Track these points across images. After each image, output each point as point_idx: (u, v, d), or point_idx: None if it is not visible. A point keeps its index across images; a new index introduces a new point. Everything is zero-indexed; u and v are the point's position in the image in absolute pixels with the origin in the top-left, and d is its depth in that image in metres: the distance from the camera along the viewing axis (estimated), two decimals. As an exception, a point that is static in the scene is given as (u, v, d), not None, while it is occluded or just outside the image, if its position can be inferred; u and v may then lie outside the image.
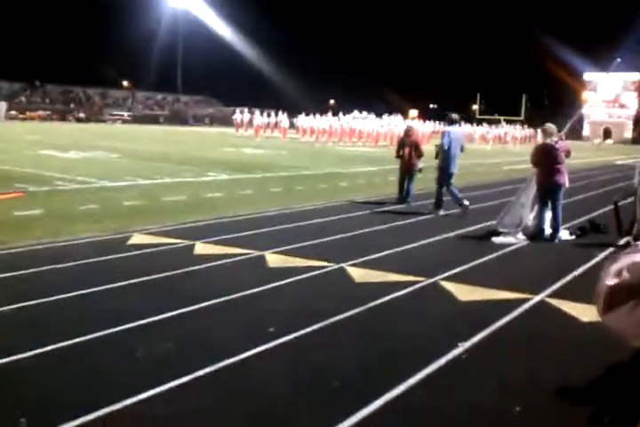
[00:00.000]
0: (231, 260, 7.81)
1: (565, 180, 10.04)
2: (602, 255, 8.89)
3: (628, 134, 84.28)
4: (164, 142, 34.20)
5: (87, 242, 8.55)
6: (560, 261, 8.64)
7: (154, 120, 74.80)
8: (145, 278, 6.77)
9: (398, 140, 15.34)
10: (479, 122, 65.20)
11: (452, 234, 10.25)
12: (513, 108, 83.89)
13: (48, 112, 70.29)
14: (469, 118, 69.62)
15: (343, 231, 9.94)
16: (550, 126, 10.20)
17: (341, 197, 14.30)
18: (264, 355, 4.77)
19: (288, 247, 8.55)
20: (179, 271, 7.11)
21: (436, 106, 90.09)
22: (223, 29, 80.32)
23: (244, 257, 7.97)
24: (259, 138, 42.91)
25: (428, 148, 13.41)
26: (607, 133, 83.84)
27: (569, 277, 7.58)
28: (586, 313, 5.90)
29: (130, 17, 76.29)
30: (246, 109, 50.99)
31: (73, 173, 16.07)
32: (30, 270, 6.92)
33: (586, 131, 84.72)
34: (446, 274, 7.43)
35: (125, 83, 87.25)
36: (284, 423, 3.89)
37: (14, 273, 6.78)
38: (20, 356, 4.55)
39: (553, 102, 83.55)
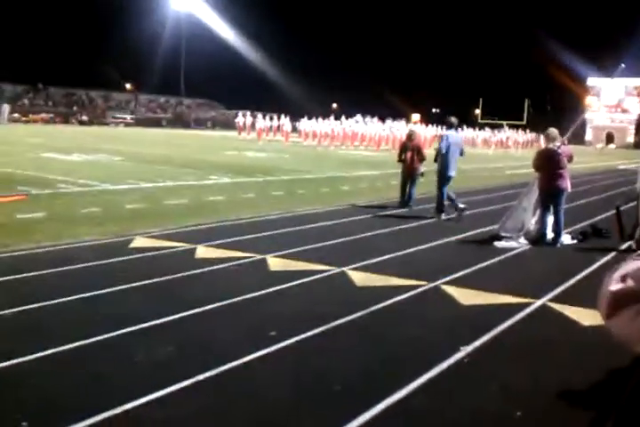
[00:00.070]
0: (233, 263, 7.81)
1: (567, 184, 10.04)
2: (603, 260, 8.89)
3: (631, 139, 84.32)
4: (167, 145, 34.23)
5: (89, 245, 8.56)
6: (562, 266, 8.63)
7: (156, 123, 74.89)
8: (146, 282, 6.77)
9: (400, 145, 15.35)
10: (481, 126, 65.19)
11: (453, 238, 10.25)
12: (515, 113, 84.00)
13: (51, 115, 70.40)
14: (472, 123, 69.62)
15: (345, 235, 9.94)
16: (553, 131, 10.20)
17: (343, 200, 14.30)
18: (265, 359, 4.77)
19: (290, 251, 8.55)
20: (180, 275, 7.11)
21: (438, 110, 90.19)
22: (226, 32, 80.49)
23: (245, 261, 7.97)
24: (261, 141, 42.93)
25: (430, 152, 13.41)
26: (610, 138, 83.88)
27: (571, 282, 7.58)
28: (587, 317, 5.90)
29: (133, 20, 76.58)
30: (249, 113, 50.99)
31: (75, 176, 16.09)
32: (32, 273, 6.93)
33: (588, 136, 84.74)
34: (448, 278, 7.43)
35: (128, 86, 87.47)
36: (285, 427, 3.88)
37: (16, 276, 6.78)
38: (20, 359, 4.55)
39: (555, 107, 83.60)
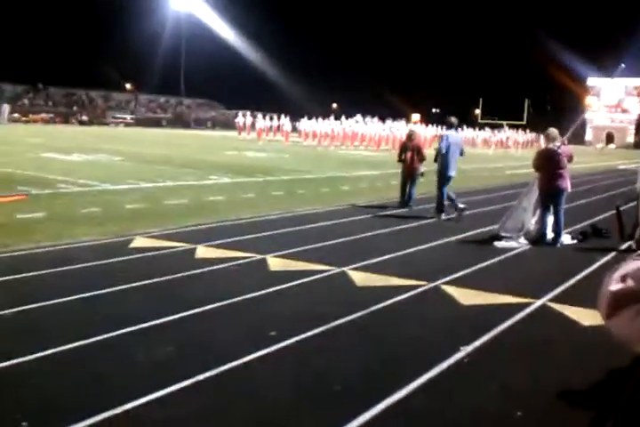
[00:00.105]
0: (233, 263, 7.81)
1: (567, 184, 10.04)
2: (603, 260, 8.89)
3: (631, 139, 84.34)
4: (167, 145, 34.23)
5: (89, 245, 8.56)
6: (562, 266, 8.64)
7: (156, 123, 74.90)
8: (146, 282, 6.77)
9: (400, 145, 15.35)
10: (481, 126, 65.20)
11: (453, 238, 10.25)
12: (515, 113, 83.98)
13: (51, 115, 70.41)
14: (472, 123, 69.62)
15: (345, 235, 9.94)
16: (553, 131, 10.20)
17: (343, 200, 14.30)
18: (265, 359, 4.77)
19: (290, 251, 8.55)
20: (180, 275, 7.11)
21: (438, 110, 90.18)
22: (226, 32, 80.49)
23: (245, 261, 7.97)
24: (261, 141, 42.94)
25: (430, 152, 13.42)
26: (609, 138, 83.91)
27: (571, 282, 7.58)
28: (587, 317, 5.90)
29: (133, 20, 76.61)
30: (249, 113, 51.00)
31: (75, 176, 16.09)
32: (32, 273, 6.93)
33: (588, 136, 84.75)
34: (448, 278, 7.43)
35: (128, 86, 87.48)
36: (285, 427, 3.89)
37: (16, 276, 6.78)
38: (20, 359, 4.54)
39: (555, 107, 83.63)
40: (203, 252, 8.38)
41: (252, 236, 9.63)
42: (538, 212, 10.29)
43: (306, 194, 15.32)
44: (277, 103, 69.12)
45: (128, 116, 74.99)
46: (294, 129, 49.63)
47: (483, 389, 4.43)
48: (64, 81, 77.49)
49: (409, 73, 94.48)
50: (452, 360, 4.85)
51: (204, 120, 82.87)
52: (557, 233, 10.00)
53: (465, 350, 5.07)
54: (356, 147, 43.05)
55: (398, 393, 4.21)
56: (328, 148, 40.38)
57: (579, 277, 7.85)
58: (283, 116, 48.12)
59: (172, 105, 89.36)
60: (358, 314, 5.92)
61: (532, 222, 10.34)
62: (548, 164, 10.01)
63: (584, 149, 56.60)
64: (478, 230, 10.94)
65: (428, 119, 65.28)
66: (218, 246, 8.71)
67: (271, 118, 49.40)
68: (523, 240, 10.00)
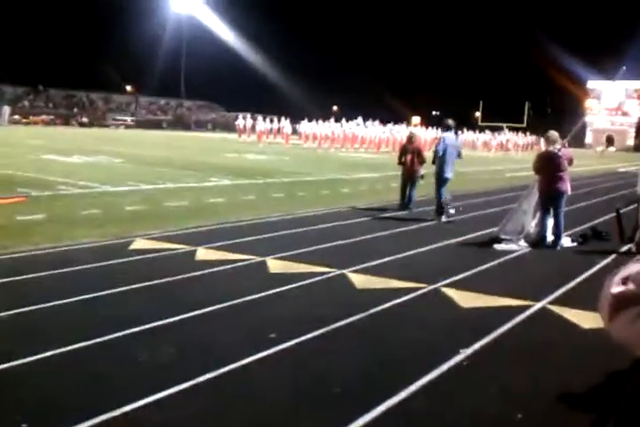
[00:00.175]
0: (233, 265, 7.81)
1: (568, 187, 10.04)
2: (604, 263, 8.89)
3: (631, 142, 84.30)
4: (167, 147, 34.25)
5: (89, 247, 8.56)
6: (562, 269, 8.63)
7: (157, 125, 74.96)
8: (146, 284, 6.76)
9: (401, 147, 15.35)
10: (481, 129, 65.19)
11: (453, 241, 10.25)
12: (515, 116, 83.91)
13: (51, 116, 70.45)
14: (472, 125, 69.60)
15: (345, 237, 9.94)
16: (553, 134, 10.21)
17: (343, 203, 14.29)
18: (265, 361, 4.77)
19: (290, 253, 8.54)
20: (180, 277, 7.11)
21: (438, 113, 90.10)
22: (226, 34, 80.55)
23: (245, 263, 7.97)
24: (261, 144, 42.98)
25: (430, 154, 13.43)
26: (610, 141, 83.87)
27: (571, 285, 7.57)
28: (587, 320, 5.90)
29: (133, 22, 76.59)
30: (249, 115, 51.01)
31: (75, 178, 16.09)
32: (32, 275, 6.92)
33: (588, 138, 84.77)
34: (448, 281, 7.43)
35: (129, 88, 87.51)
36: (285, 430, 3.88)
37: (16, 278, 6.78)
38: (20, 361, 4.54)
39: (556, 110, 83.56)
40: (203, 254, 8.38)
41: (252, 238, 9.63)
42: (538, 214, 10.29)
43: (306, 196, 15.33)
44: (278, 105, 69.15)
45: (128, 118, 75.03)
46: (294, 131, 49.64)
47: (483, 391, 4.43)
48: (64, 83, 77.56)
49: (409, 75, 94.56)
50: (451, 363, 4.85)
51: (205, 122, 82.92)
52: (557, 236, 10.00)
53: (465, 353, 5.06)
54: (357, 149, 43.08)
55: (398, 396, 4.21)
56: (328, 150, 40.40)
57: (579, 279, 7.85)
58: (283, 118, 48.16)
59: (172, 107, 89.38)
60: (358, 316, 5.92)
61: (532, 225, 10.34)
62: (549, 166, 10.01)
63: (584, 152, 56.62)
64: (478, 233, 10.93)
65: (428, 122, 65.28)
66: (218, 248, 8.71)
67: (271, 121, 49.44)
68: (523, 243, 10.00)
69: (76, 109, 78.19)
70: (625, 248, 9.99)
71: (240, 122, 50.52)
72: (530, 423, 4.03)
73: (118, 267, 7.53)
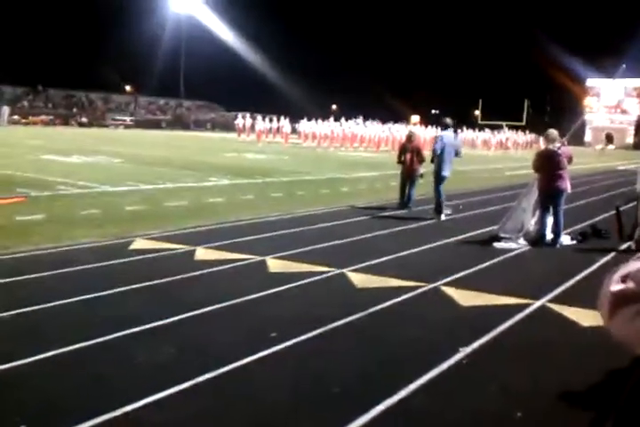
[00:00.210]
0: (232, 265, 7.81)
1: (567, 185, 10.04)
2: (603, 261, 8.89)
3: (630, 140, 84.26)
4: (167, 147, 34.24)
5: (88, 247, 8.55)
6: (561, 267, 8.63)
7: (156, 125, 74.93)
8: (146, 284, 6.76)
9: (400, 146, 15.36)
10: (481, 128, 65.20)
11: (453, 239, 10.25)
12: (515, 114, 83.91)
13: (51, 117, 70.41)
14: (471, 124, 69.59)
15: (344, 237, 9.94)
16: (552, 132, 10.21)
17: (343, 202, 14.29)
18: (264, 361, 4.77)
19: (289, 253, 8.54)
20: (180, 277, 7.11)
21: (437, 111, 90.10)
22: (225, 34, 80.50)
23: (244, 262, 7.97)
24: (260, 143, 42.96)
25: (430, 153, 13.43)
26: (609, 139, 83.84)
27: (570, 283, 7.58)
28: (587, 318, 5.90)
29: (133, 22, 76.59)
30: (248, 114, 51.03)
31: (75, 178, 16.09)
32: (32, 276, 6.92)
33: (588, 137, 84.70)
34: (447, 279, 7.43)
35: (128, 88, 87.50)
36: (285, 429, 3.88)
37: (16, 278, 6.78)
38: (20, 361, 4.54)
39: (555, 108, 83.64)
40: (202, 253, 8.38)
41: (252, 237, 9.63)
42: (537, 213, 10.29)
43: (305, 195, 15.32)
44: (277, 105, 69.08)
45: (128, 118, 74.98)
46: (294, 131, 49.65)
47: (482, 390, 4.43)
48: (64, 83, 77.53)
49: (408, 74, 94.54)
50: (451, 361, 4.85)
51: (204, 122, 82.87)
52: (557, 234, 10.00)
53: (464, 351, 5.07)
54: (356, 148, 43.05)
55: (398, 395, 4.21)
56: (327, 149, 40.39)
57: (578, 277, 7.85)
58: (282, 117, 48.16)
59: (171, 107, 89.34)
60: (357, 315, 5.92)
61: (531, 223, 10.34)
62: (548, 164, 10.01)
63: (583, 150, 56.61)
64: (478, 231, 10.93)
65: (427, 120, 65.24)
66: (217, 248, 8.71)
67: (270, 120, 49.41)
68: (522, 241, 10.00)
69: (75, 109, 78.17)
70: (624, 246, 9.99)
71: (239, 121, 50.54)
72: (530, 422, 4.03)
73: (118, 267, 7.53)
